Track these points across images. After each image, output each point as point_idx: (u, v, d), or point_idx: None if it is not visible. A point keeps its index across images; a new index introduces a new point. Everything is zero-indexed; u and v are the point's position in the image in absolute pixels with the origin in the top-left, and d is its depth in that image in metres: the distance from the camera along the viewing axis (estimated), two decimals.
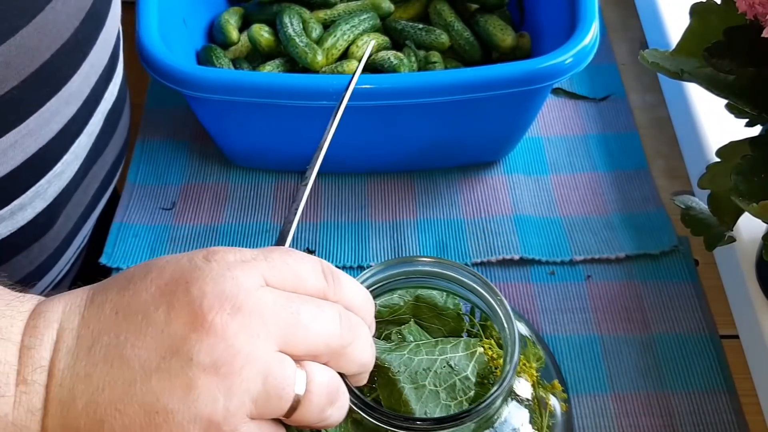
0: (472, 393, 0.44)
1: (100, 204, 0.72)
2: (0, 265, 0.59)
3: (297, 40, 0.78)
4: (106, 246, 0.75)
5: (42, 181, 0.59)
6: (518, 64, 0.69)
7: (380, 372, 0.45)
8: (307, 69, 0.79)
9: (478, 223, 0.77)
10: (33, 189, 0.58)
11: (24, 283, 0.58)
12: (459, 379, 0.45)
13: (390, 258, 0.75)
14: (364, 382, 0.43)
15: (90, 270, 0.75)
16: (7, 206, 0.56)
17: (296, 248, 0.75)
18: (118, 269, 0.74)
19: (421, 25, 0.83)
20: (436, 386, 0.44)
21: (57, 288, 0.72)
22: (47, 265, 0.66)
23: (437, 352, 0.45)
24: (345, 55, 0.81)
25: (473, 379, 0.45)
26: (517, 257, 0.74)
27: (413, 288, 0.49)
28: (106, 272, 0.74)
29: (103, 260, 0.74)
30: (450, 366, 0.45)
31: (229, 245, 0.75)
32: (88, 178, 0.67)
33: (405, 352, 0.45)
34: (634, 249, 0.74)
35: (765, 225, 0.65)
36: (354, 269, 0.74)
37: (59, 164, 0.60)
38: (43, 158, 0.58)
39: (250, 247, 0.74)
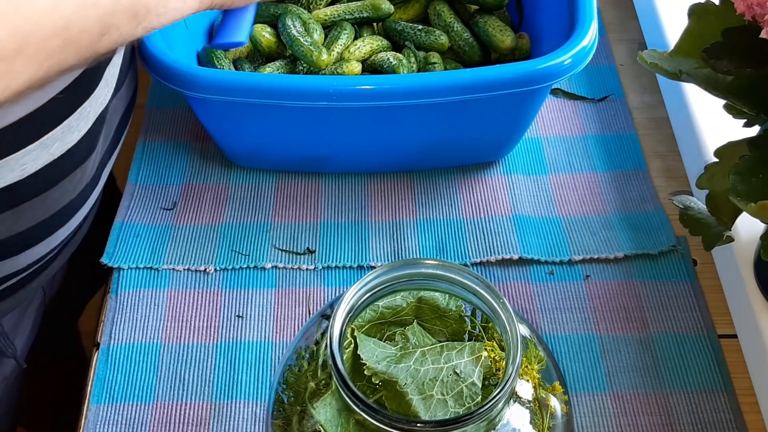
0: (479, 398, 0.45)
1: (120, 141, 0.74)
2: (51, 187, 0.62)
3: (301, 39, 0.78)
4: (108, 246, 0.75)
5: (85, 104, 0.62)
6: (517, 65, 0.70)
7: (388, 385, 0.45)
8: (310, 69, 0.79)
9: (478, 223, 0.77)
10: (78, 111, 0.61)
11: (66, 213, 0.64)
12: (466, 386, 0.45)
13: (389, 258, 0.75)
14: None
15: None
16: (59, 126, 0.59)
17: (296, 248, 0.76)
18: (119, 269, 0.74)
19: (420, 26, 0.83)
20: (443, 395, 0.45)
21: (78, 230, 0.73)
22: (85, 195, 0.68)
23: (443, 360, 0.46)
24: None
25: (480, 384, 0.45)
26: (516, 257, 0.74)
27: (416, 290, 0.50)
28: (107, 271, 0.74)
29: (104, 260, 0.74)
30: (456, 374, 0.45)
31: (229, 245, 0.76)
32: (112, 107, 0.69)
33: (411, 363, 0.45)
34: (632, 249, 0.75)
35: (763, 225, 0.66)
36: (354, 269, 0.74)
37: (98, 88, 0.63)
38: (87, 79, 0.61)
39: (248, 247, 0.75)
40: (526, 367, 0.48)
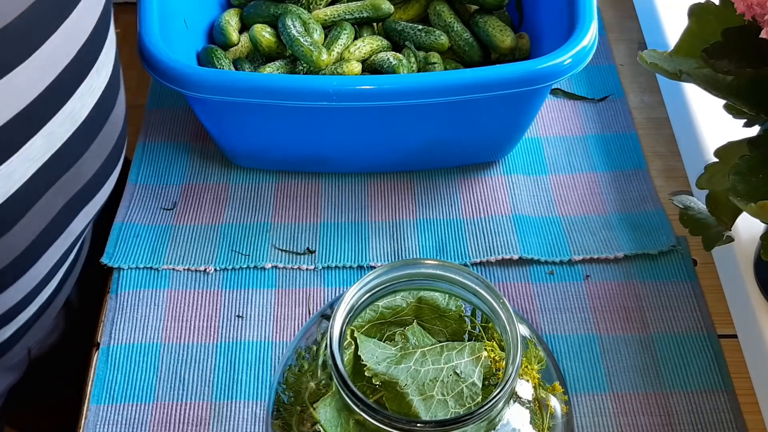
0: (479, 398, 0.45)
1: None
2: (98, 133, 0.62)
3: (301, 39, 0.78)
4: (108, 246, 0.75)
5: (107, 41, 0.60)
6: (517, 65, 0.70)
7: (388, 386, 0.45)
8: (310, 69, 0.79)
9: (478, 223, 0.77)
10: (104, 48, 0.60)
11: (114, 156, 0.66)
12: (466, 386, 0.45)
13: (389, 258, 0.75)
14: None
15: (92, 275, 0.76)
16: (95, 63, 0.59)
17: (296, 248, 0.76)
18: (119, 269, 0.74)
19: (420, 26, 0.84)
20: (444, 395, 0.45)
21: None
22: (120, 145, 0.67)
23: (443, 360, 0.46)
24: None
25: (480, 385, 0.45)
26: (516, 257, 0.74)
27: (416, 290, 0.50)
28: (107, 272, 0.74)
29: (104, 260, 0.74)
30: (456, 374, 0.45)
31: (229, 245, 0.76)
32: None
33: (411, 363, 0.45)
34: (632, 249, 0.75)
35: (763, 225, 0.66)
36: (354, 269, 0.74)
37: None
38: (104, 25, 0.60)
39: (248, 247, 0.75)
40: (526, 367, 0.48)
